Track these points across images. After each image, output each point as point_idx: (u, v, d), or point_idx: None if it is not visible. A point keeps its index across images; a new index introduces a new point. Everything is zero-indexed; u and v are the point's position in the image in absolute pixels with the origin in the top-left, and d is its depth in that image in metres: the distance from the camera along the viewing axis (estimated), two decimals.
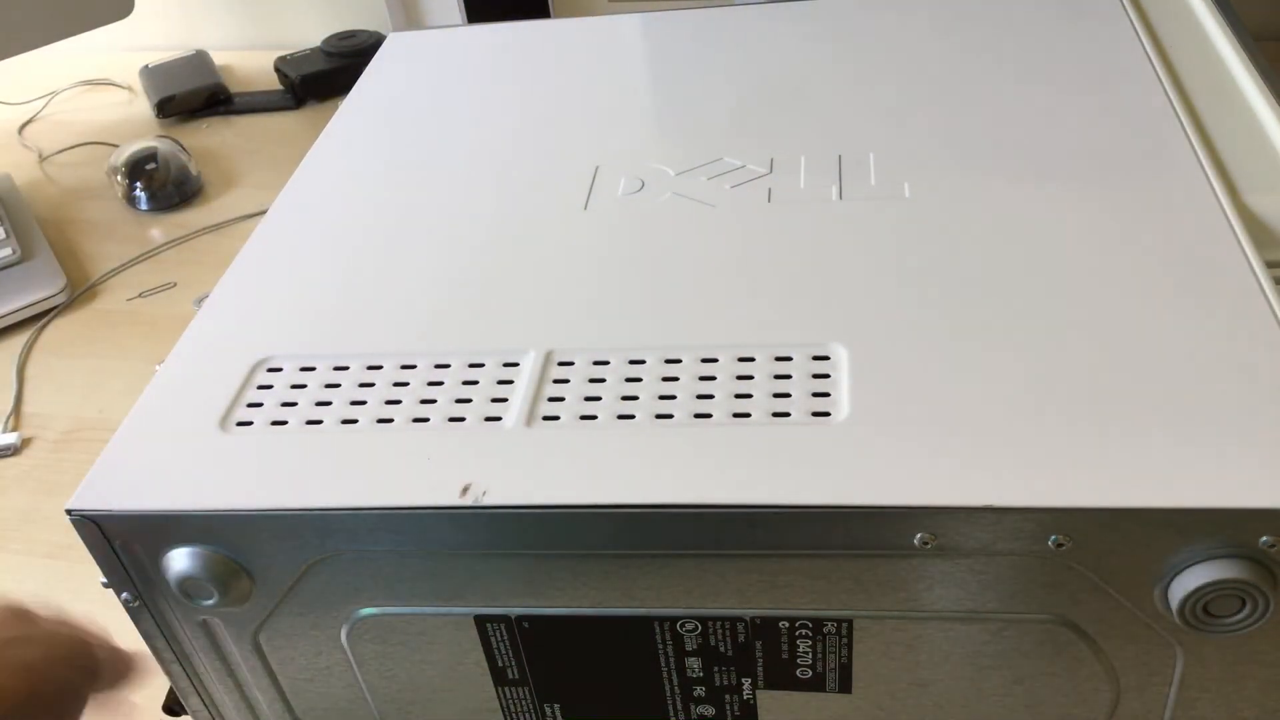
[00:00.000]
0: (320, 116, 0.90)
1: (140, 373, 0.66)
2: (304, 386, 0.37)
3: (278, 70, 0.93)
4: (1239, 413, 0.32)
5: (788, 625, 0.34)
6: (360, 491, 0.33)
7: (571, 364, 0.37)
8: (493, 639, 0.36)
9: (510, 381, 0.36)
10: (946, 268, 0.38)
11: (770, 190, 0.44)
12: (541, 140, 0.49)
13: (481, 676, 0.37)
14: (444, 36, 0.61)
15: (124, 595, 0.36)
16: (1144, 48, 0.49)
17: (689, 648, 0.35)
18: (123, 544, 0.35)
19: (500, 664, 0.37)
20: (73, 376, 0.66)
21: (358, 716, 0.39)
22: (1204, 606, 0.30)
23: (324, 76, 0.92)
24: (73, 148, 0.90)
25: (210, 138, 0.89)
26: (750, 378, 0.35)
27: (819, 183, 0.44)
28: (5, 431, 0.62)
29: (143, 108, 0.95)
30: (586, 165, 0.47)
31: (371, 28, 0.98)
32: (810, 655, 0.35)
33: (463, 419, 0.35)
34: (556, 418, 0.35)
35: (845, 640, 0.34)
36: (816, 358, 0.36)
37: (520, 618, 0.35)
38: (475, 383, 0.36)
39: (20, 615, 0.39)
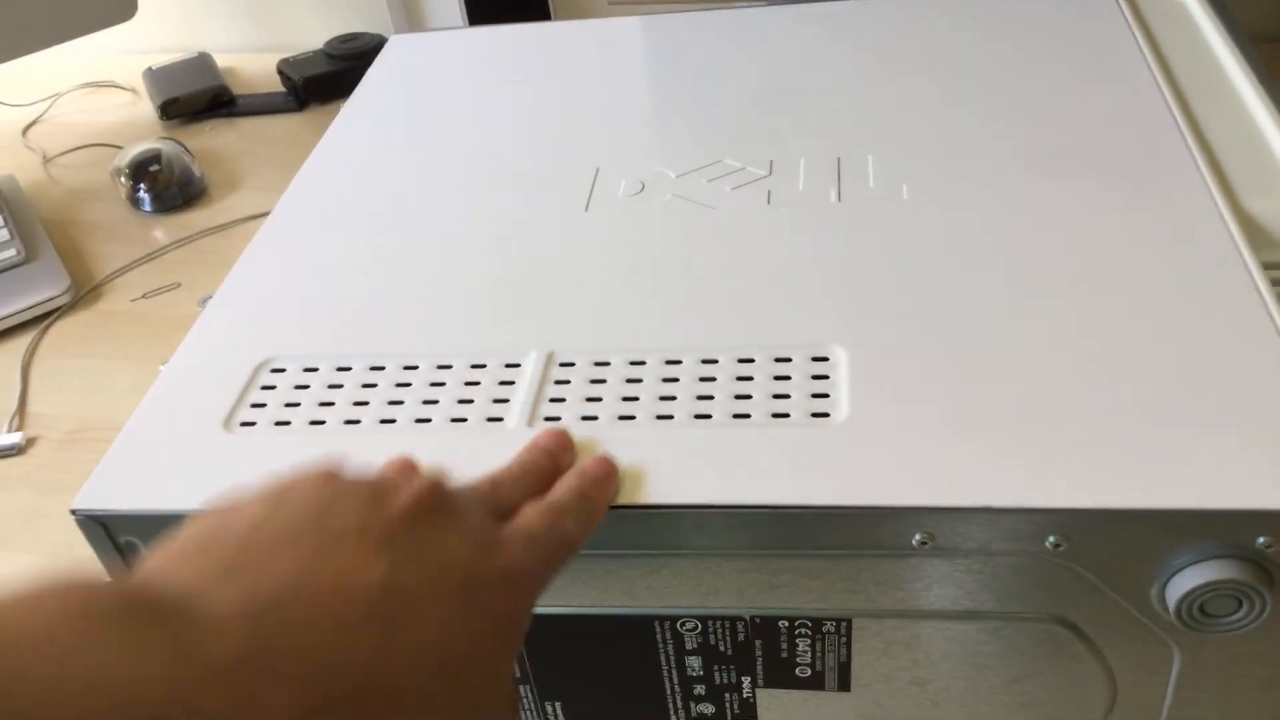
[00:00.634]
0: (323, 118, 0.90)
1: (144, 373, 0.66)
2: (307, 387, 0.38)
3: (280, 72, 0.94)
4: (1236, 414, 0.32)
5: (787, 624, 0.34)
6: None
7: (573, 365, 0.37)
8: None
9: (512, 382, 0.37)
10: (945, 269, 0.38)
11: (770, 192, 0.44)
12: (542, 142, 0.50)
13: None
14: (445, 39, 0.61)
15: None
16: (1141, 50, 0.49)
17: (689, 646, 0.35)
18: (127, 543, 0.35)
19: None
20: (77, 377, 0.66)
21: None
22: (1201, 606, 0.31)
23: (326, 79, 0.92)
24: (76, 149, 0.90)
25: (213, 139, 0.89)
26: (750, 379, 0.35)
27: (818, 185, 0.44)
28: (10, 431, 0.62)
29: (146, 110, 0.95)
30: (587, 167, 0.47)
31: (373, 30, 0.98)
32: (809, 654, 0.35)
33: (465, 419, 0.35)
34: (558, 418, 0.35)
35: (844, 639, 0.34)
36: (816, 359, 0.36)
37: None
38: (477, 383, 0.37)
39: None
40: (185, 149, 0.83)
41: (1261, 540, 0.29)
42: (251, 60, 1.01)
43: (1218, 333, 0.34)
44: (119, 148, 0.86)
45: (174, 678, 0.19)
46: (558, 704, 0.38)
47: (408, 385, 0.37)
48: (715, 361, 0.36)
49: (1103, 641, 0.33)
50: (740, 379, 0.35)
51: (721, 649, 0.35)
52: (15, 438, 0.61)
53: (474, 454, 0.34)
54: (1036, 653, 0.33)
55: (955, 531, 0.31)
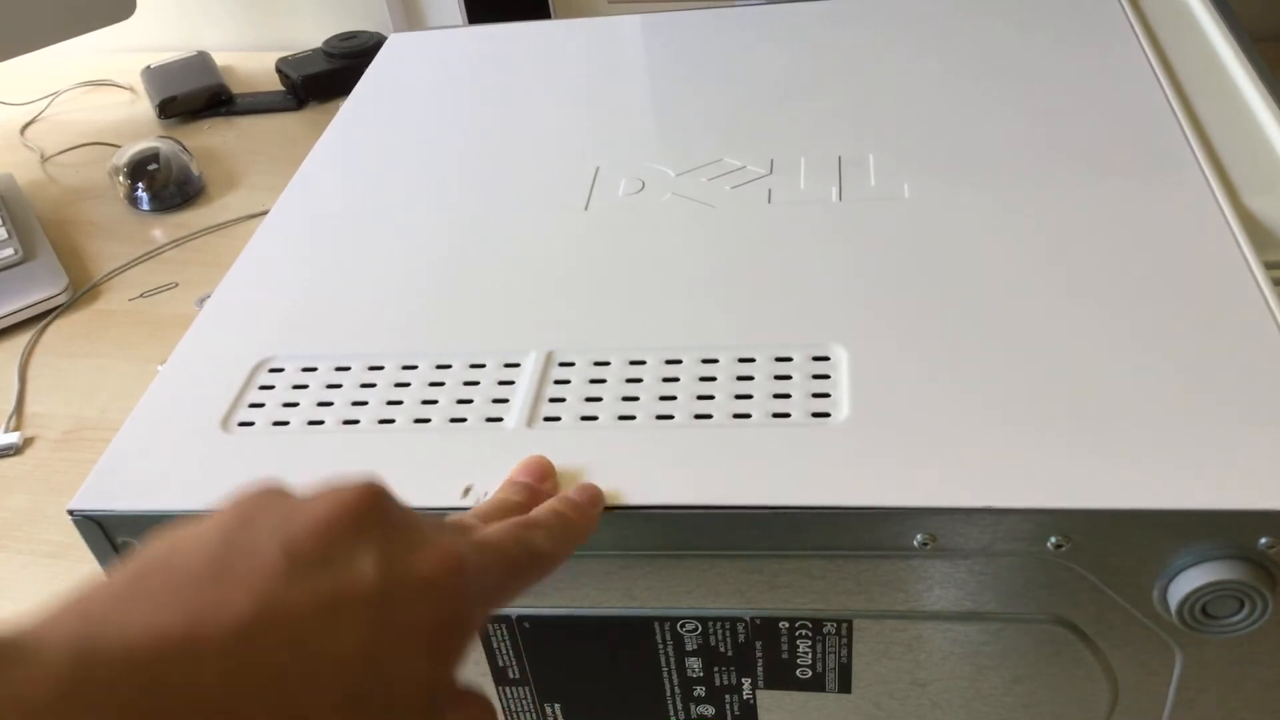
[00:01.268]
0: (322, 117, 0.90)
1: (142, 373, 0.66)
2: (305, 387, 0.37)
3: (279, 71, 0.93)
4: (1238, 414, 0.32)
5: (788, 625, 0.34)
6: None
7: (572, 364, 0.37)
8: (493, 639, 0.36)
9: (511, 382, 0.36)
10: (946, 268, 0.38)
11: (770, 191, 0.44)
12: (542, 141, 0.49)
13: (481, 676, 0.37)
14: (445, 37, 0.61)
15: None
16: (1143, 49, 0.49)
17: (689, 648, 0.35)
18: (124, 544, 0.35)
19: (500, 664, 0.37)
20: (75, 376, 0.66)
21: None
22: (1203, 607, 0.30)
23: (325, 77, 0.92)
24: (75, 148, 0.90)
25: (212, 138, 0.89)
26: (750, 378, 0.35)
27: (819, 184, 0.44)
28: (7, 431, 0.62)
29: (144, 108, 0.95)
30: (587, 166, 0.47)
31: (372, 29, 0.98)
32: (810, 655, 0.35)
33: (464, 419, 0.35)
34: (557, 418, 0.35)
35: (845, 640, 0.34)
36: (816, 358, 0.36)
37: (520, 618, 0.35)
38: (476, 383, 0.37)
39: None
40: (183, 148, 0.83)
41: (1263, 541, 0.29)
42: (250, 59, 1.01)
43: (1219, 332, 0.34)
44: (117, 146, 0.86)
45: None
46: (557, 705, 0.38)
47: (406, 385, 0.37)
48: (715, 361, 0.36)
49: (1104, 642, 0.33)
50: (740, 379, 0.35)
51: (722, 650, 0.35)
52: (13, 438, 0.61)
53: (473, 454, 0.34)
54: (1038, 654, 0.33)
55: (956, 532, 0.31)
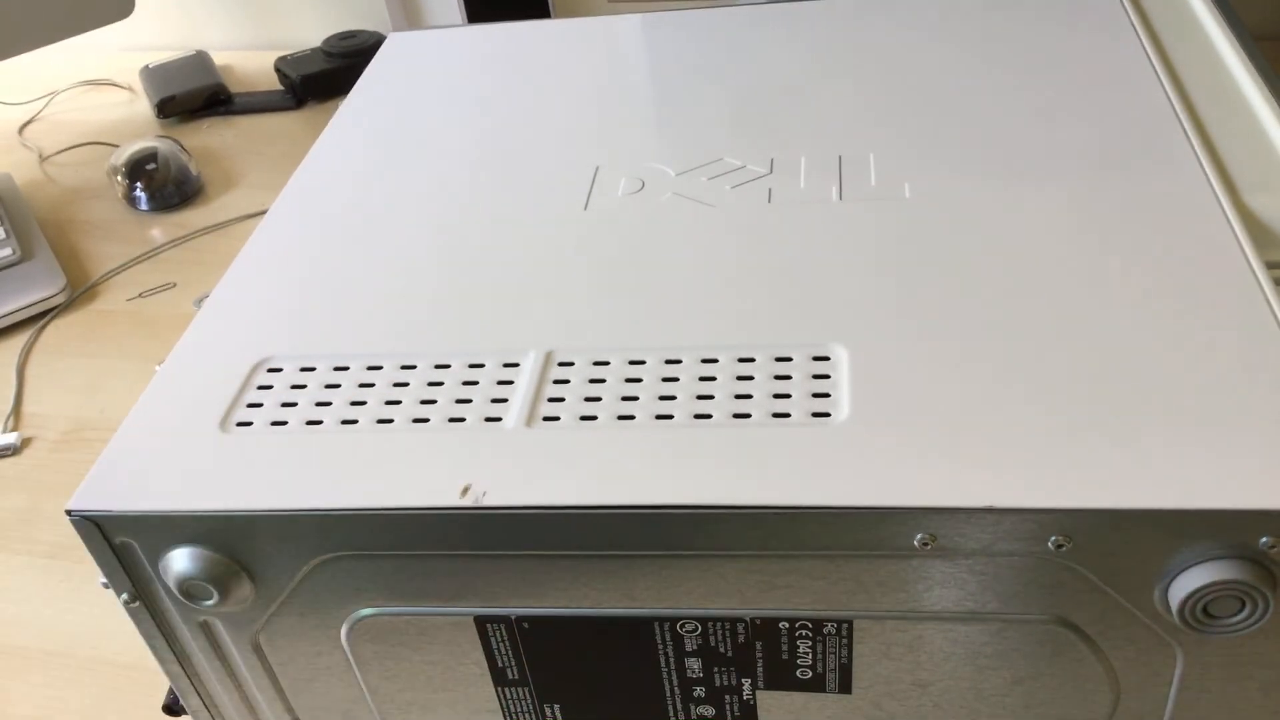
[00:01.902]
0: (320, 117, 0.90)
1: (140, 373, 0.66)
2: (304, 387, 0.37)
3: (278, 70, 0.93)
4: (1239, 413, 0.32)
5: (788, 626, 0.34)
6: (360, 492, 0.33)
7: (572, 364, 0.37)
8: (493, 639, 0.36)
9: (510, 382, 0.36)
10: (947, 268, 0.38)
11: (770, 190, 0.44)
12: (541, 140, 0.49)
13: (481, 677, 0.37)
14: (444, 37, 0.61)
15: (124, 595, 0.36)
16: (1144, 47, 0.49)
17: (689, 648, 0.35)
18: (122, 544, 0.35)
19: (500, 664, 0.37)
20: (73, 377, 0.66)
21: (358, 716, 0.39)
22: (1204, 607, 0.30)
23: (324, 77, 0.92)
24: (73, 148, 0.90)
25: (210, 138, 0.89)
26: (750, 378, 0.35)
27: (819, 183, 0.44)
28: (5, 432, 0.62)
29: (143, 108, 0.95)
30: (587, 165, 0.47)
31: (371, 28, 0.98)
32: (810, 656, 0.35)
33: (463, 419, 0.35)
34: (557, 418, 0.35)
35: (845, 641, 0.34)
36: (816, 358, 0.36)
37: (520, 618, 0.35)
38: (475, 383, 0.37)
39: None
40: (182, 147, 0.83)
41: (1265, 540, 0.29)
42: (249, 58, 1.01)
43: (1220, 331, 0.34)
44: (115, 146, 0.86)
45: None
46: (556, 706, 0.38)
47: (405, 385, 0.37)
48: (715, 361, 0.36)
49: (1105, 643, 0.32)
50: (740, 379, 0.35)
51: (722, 650, 0.35)
52: (11, 438, 0.61)
53: (472, 454, 0.34)
54: (1038, 654, 0.33)
55: (957, 532, 0.31)
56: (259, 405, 0.37)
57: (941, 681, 0.35)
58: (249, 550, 0.34)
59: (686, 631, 0.35)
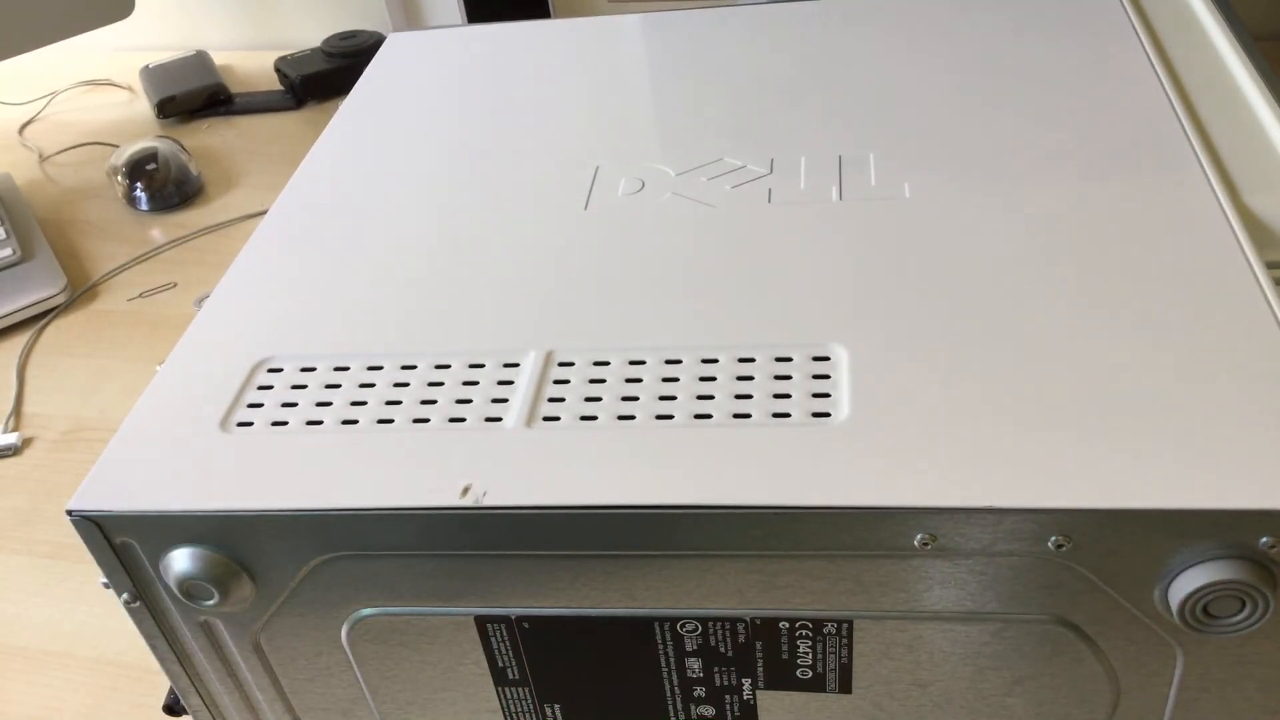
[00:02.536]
0: (320, 117, 0.90)
1: (141, 373, 0.66)
2: (304, 387, 0.37)
3: (278, 70, 0.93)
4: (1239, 413, 0.32)
5: (788, 626, 0.34)
6: (360, 492, 0.33)
7: (572, 364, 0.37)
8: (493, 639, 0.36)
9: (510, 382, 0.36)
10: (946, 268, 0.38)
11: (770, 190, 0.44)
12: (542, 140, 0.49)
13: (481, 677, 0.37)
14: (444, 36, 0.61)
15: (124, 595, 0.36)
16: (1144, 48, 0.49)
17: (689, 648, 0.35)
18: (123, 544, 0.35)
19: (500, 664, 0.37)
20: (73, 377, 0.66)
21: (358, 716, 0.39)
22: (1204, 607, 0.30)
23: (324, 77, 0.92)
24: (73, 148, 0.90)
25: (210, 138, 0.89)
26: (750, 378, 0.35)
27: (819, 183, 0.44)
28: (5, 432, 0.62)
29: (143, 108, 0.95)
30: (587, 165, 0.47)
31: (372, 28, 0.98)
32: (810, 656, 0.35)
33: (463, 419, 0.35)
34: (557, 418, 0.35)
35: (845, 641, 0.34)
36: (816, 358, 0.36)
37: (520, 618, 0.35)
38: (475, 383, 0.37)
39: None
40: (182, 147, 0.83)
41: (1265, 540, 0.29)
42: (249, 58, 1.01)
43: (1220, 331, 0.34)
44: (115, 146, 0.86)
45: None
46: (556, 706, 0.38)
47: (405, 385, 0.37)
48: (715, 361, 0.36)
49: (1105, 643, 0.32)
50: (740, 379, 0.35)
51: (722, 650, 0.35)
52: (11, 438, 0.61)
53: (472, 454, 0.34)
54: (1038, 654, 0.33)
55: (957, 532, 0.31)
56: (259, 405, 0.37)
57: (941, 681, 0.35)
58: (249, 550, 0.34)
59: (687, 631, 0.35)
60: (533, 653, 0.36)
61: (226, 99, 0.93)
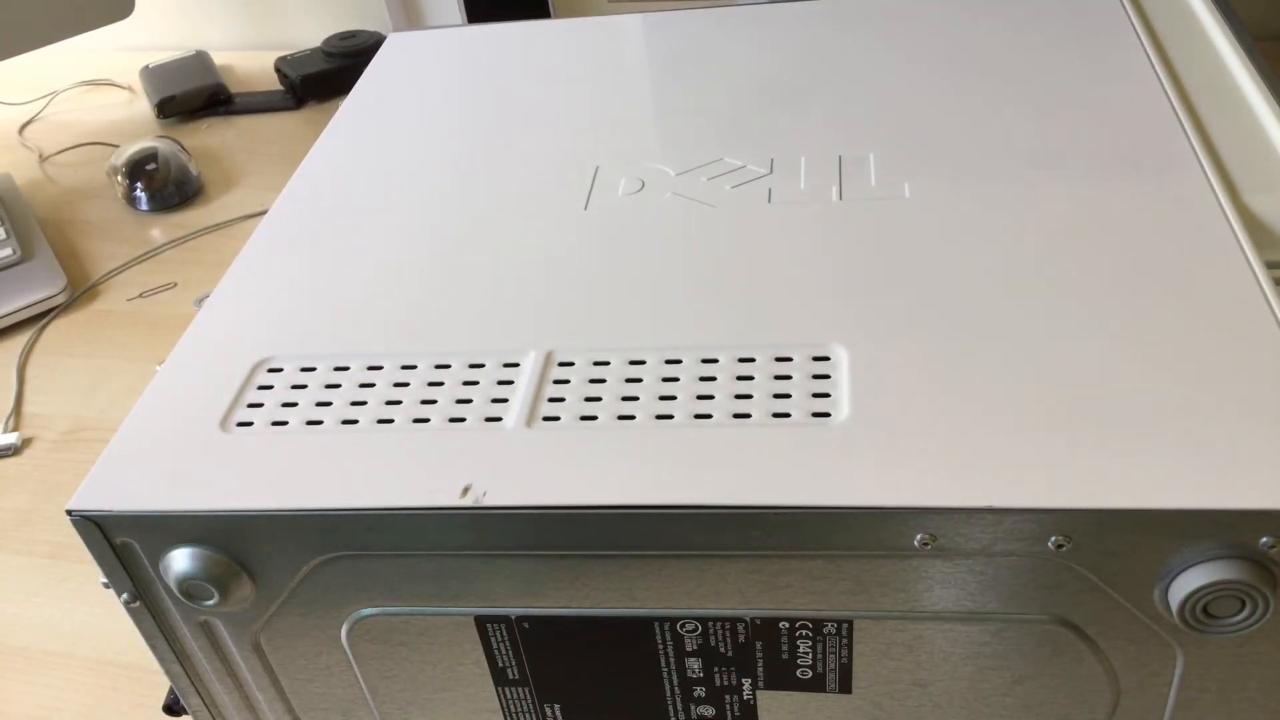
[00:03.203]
0: (320, 117, 0.90)
1: (141, 373, 0.66)
2: (304, 387, 0.37)
3: (278, 70, 0.93)
4: (1239, 413, 0.32)
5: (788, 626, 0.34)
6: (360, 492, 0.33)
7: (572, 364, 0.37)
8: (493, 639, 0.36)
9: (510, 382, 0.36)
10: (947, 268, 0.38)
11: (770, 190, 0.44)
12: (542, 140, 0.49)
13: (481, 677, 0.37)
14: (444, 36, 0.61)
15: (124, 595, 0.36)
16: (1144, 48, 0.49)
17: (689, 648, 0.35)
18: (123, 544, 0.35)
19: (500, 664, 0.37)
20: (73, 377, 0.66)
21: (358, 716, 0.39)
22: (1204, 607, 0.30)
23: (324, 77, 0.92)
24: (73, 148, 0.90)
25: (210, 138, 0.89)
26: (750, 378, 0.35)
27: (819, 183, 0.44)
28: (5, 432, 0.62)
29: (143, 108, 0.95)
30: (587, 165, 0.47)
31: (372, 28, 0.98)
32: (810, 656, 0.35)
33: (463, 419, 0.35)
34: (557, 418, 0.35)
35: (845, 641, 0.34)
36: (816, 358, 0.36)
37: (520, 618, 0.35)
38: (475, 383, 0.37)
39: None
40: (182, 147, 0.83)
41: (1265, 540, 0.29)
42: (249, 58, 1.01)
43: (1220, 331, 0.34)
44: (115, 146, 0.86)
45: None
46: (556, 706, 0.38)
47: (405, 385, 0.37)
48: (715, 361, 0.36)
49: (1105, 643, 0.32)
50: (740, 379, 0.35)
51: (722, 650, 0.35)
52: (11, 438, 0.61)
53: (472, 454, 0.34)
54: (1038, 654, 0.33)
55: (957, 532, 0.31)
56: (259, 405, 0.37)
57: (941, 681, 0.35)
58: (249, 550, 0.34)
59: (687, 631, 0.35)
60: (533, 653, 0.36)
61: (226, 99, 0.93)
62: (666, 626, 0.35)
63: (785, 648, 0.35)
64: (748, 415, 0.34)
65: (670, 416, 0.34)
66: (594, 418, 0.34)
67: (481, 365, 0.37)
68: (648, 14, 0.60)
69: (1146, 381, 0.33)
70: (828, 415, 0.33)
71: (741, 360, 0.36)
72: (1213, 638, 0.31)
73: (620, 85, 0.53)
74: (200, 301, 0.43)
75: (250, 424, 0.36)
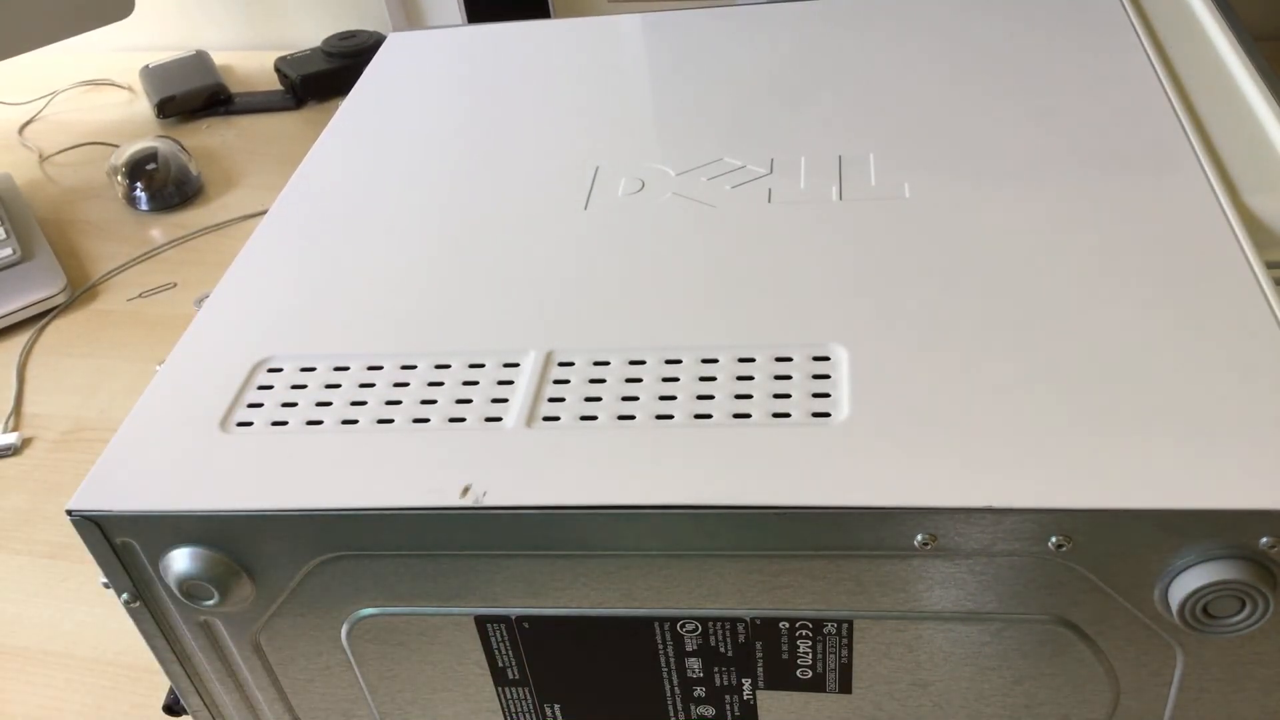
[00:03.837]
0: (320, 116, 0.90)
1: (141, 373, 0.66)
2: (304, 387, 0.37)
3: (278, 70, 0.93)
4: (1238, 413, 0.32)
5: (788, 626, 0.34)
6: (360, 492, 0.33)
7: (572, 364, 0.37)
8: (493, 639, 0.36)
9: (510, 382, 0.36)
10: (946, 268, 0.38)
11: (770, 190, 0.44)
12: (542, 140, 0.49)
13: (481, 676, 0.37)
14: (444, 36, 0.61)
15: (124, 595, 0.36)
16: (1144, 48, 0.49)
17: (689, 648, 0.35)
18: (123, 544, 0.35)
19: (500, 664, 0.37)
20: (73, 377, 0.66)
21: (358, 716, 0.39)
22: (1204, 607, 0.30)
23: (324, 77, 0.92)
24: (73, 148, 0.90)
25: (210, 138, 0.89)
26: (750, 378, 0.35)
27: (819, 183, 0.44)
28: (5, 432, 0.62)
29: (143, 108, 0.95)
30: (587, 165, 0.47)
31: (372, 28, 0.98)
32: (810, 656, 0.35)
33: (463, 419, 0.35)
34: (557, 418, 0.35)
35: (845, 641, 0.34)
36: (816, 358, 0.36)
37: (520, 618, 0.35)
38: (475, 383, 0.37)
39: None
40: (182, 147, 0.83)
41: (1265, 540, 0.29)
42: (249, 58, 1.01)
43: (1220, 331, 0.34)
44: (115, 146, 0.86)
45: None
46: (556, 706, 0.38)
47: (405, 385, 0.37)
48: (715, 361, 0.36)
49: (1105, 643, 0.32)
50: (740, 379, 0.35)
51: (722, 650, 0.35)
52: (11, 438, 0.61)
53: (472, 454, 0.34)
54: (1039, 654, 0.33)
55: (957, 532, 0.31)
56: (259, 405, 0.37)
57: (941, 681, 0.35)
58: (249, 550, 0.34)
59: (686, 631, 0.35)
60: (533, 653, 0.36)
61: (226, 99, 0.93)
62: (666, 626, 0.35)
63: (785, 648, 0.35)
64: (748, 415, 0.34)
65: (670, 416, 0.34)
66: (594, 418, 0.34)
67: (481, 365, 0.37)
68: (648, 14, 0.60)
69: (1146, 381, 0.33)
70: (828, 415, 0.33)
71: (741, 360, 0.36)
72: (1213, 638, 0.31)
73: (620, 85, 0.53)
74: (200, 301, 0.43)
75: (250, 424, 0.36)
